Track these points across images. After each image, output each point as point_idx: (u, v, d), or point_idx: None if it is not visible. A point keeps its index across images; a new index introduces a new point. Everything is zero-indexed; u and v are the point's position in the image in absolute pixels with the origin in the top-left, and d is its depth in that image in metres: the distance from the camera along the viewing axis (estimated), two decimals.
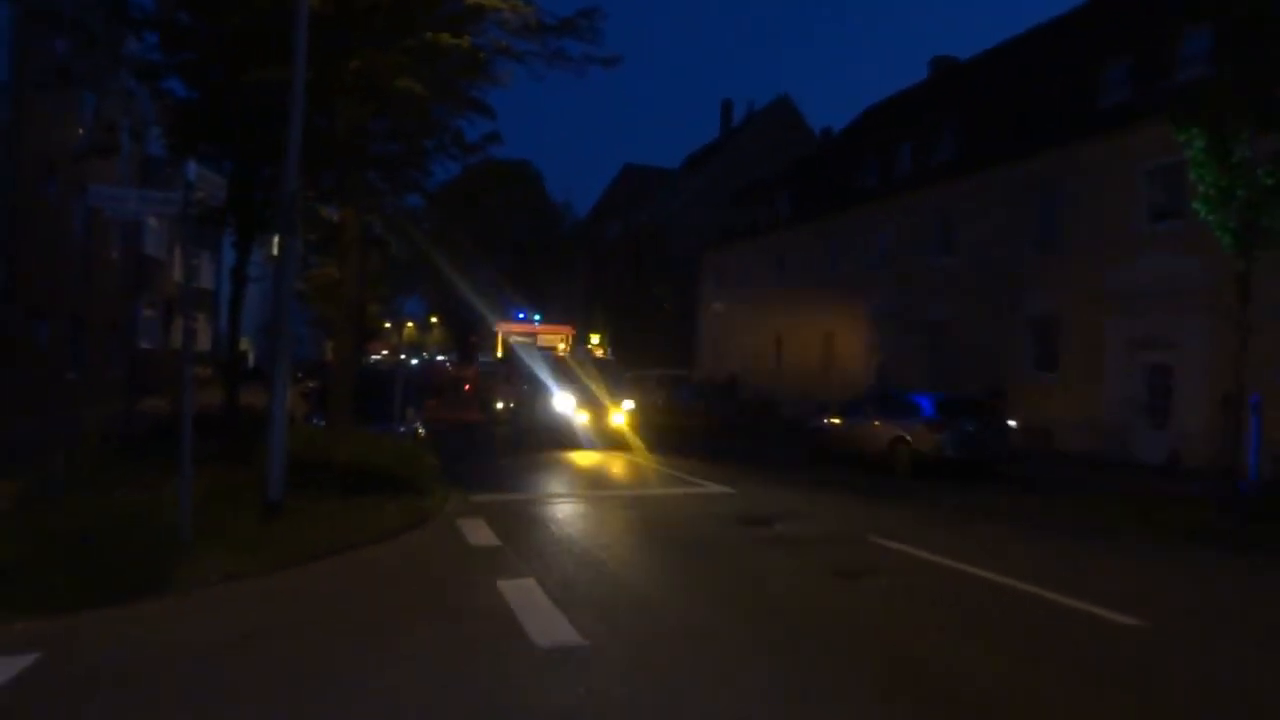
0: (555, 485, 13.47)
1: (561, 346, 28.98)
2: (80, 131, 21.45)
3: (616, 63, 12.54)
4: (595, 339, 32.44)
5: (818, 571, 7.79)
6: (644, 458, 17.51)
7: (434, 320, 66.60)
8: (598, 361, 23.82)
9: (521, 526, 9.64)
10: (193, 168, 7.22)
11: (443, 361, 50.02)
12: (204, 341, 38.00)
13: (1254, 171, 12.14)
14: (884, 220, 29.28)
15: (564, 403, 19.59)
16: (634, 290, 45.41)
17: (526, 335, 28.48)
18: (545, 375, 20.52)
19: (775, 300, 35.55)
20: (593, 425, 19.27)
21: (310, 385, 21.28)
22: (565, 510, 11.28)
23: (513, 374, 24.01)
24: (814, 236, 33.52)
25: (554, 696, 4.65)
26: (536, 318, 32.76)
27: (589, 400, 19.65)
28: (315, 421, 13.72)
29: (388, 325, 51.75)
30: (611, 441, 19.11)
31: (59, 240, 21.89)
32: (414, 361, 49.00)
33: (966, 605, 6.84)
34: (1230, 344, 12.83)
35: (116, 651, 5.15)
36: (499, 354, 27.86)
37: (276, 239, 9.18)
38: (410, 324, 73.31)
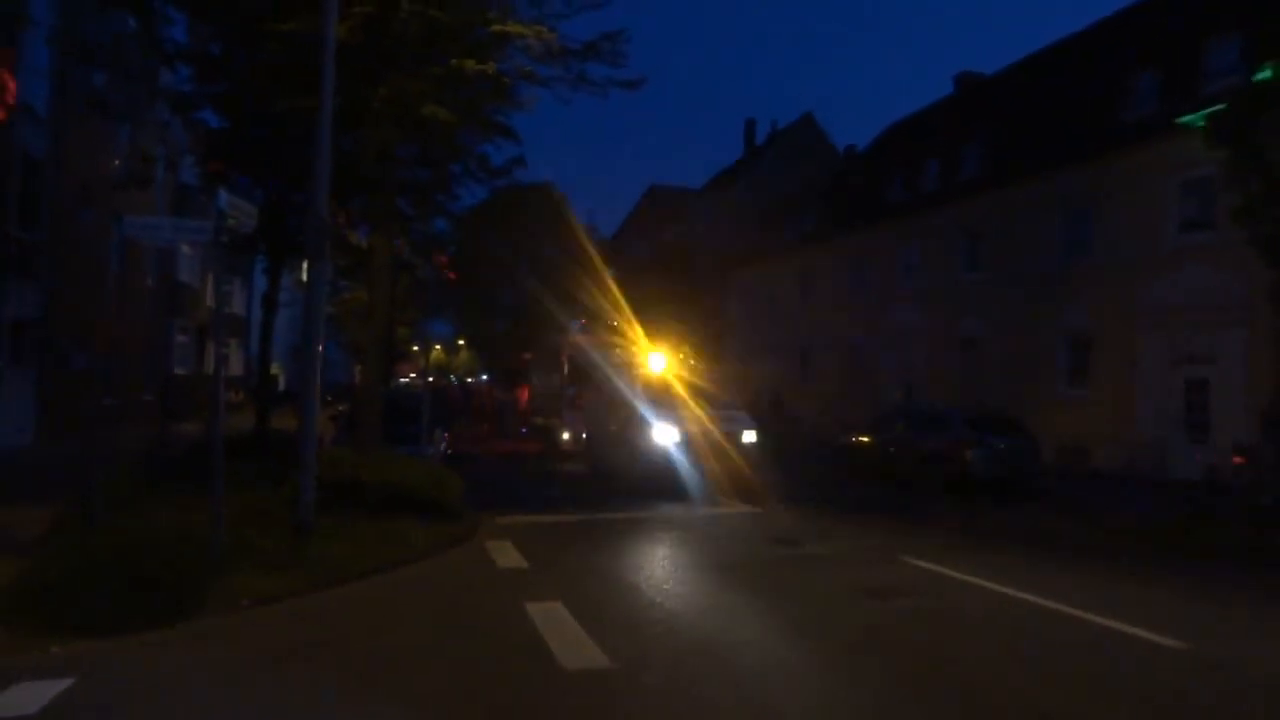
0: (580, 507, 13.45)
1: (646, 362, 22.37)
2: (116, 162, 21.97)
3: (640, 85, 12.63)
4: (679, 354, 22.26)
5: (848, 592, 7.69)
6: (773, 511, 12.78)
7: (461, 343, 67.00)
8: (699, 380, 17.57)
9: (548, 549, 9.62)
10: (224, 196, 7.33)
11: (481, 382, 49.12)
12: (236, 366, 38.59)
13: None
14: (911, 237, 29.12)
15: (664, 435, 14.63)
16: (661, 309, 45.48)
17: (601, 348, 22.44)
18: (635, 399, 15.64)
19: (801, 317, 35.43)
20: (705, 466, 14.30)
21: (340, 409, 21.48)
22: (591, 532, 11.26)
23: (584, 397, 19.35)
24: (840, 254, 33.41)
25: (579, 719, 4.62)
26: (579, 323, 25.57)
27: (698, 431, 14.70)
28: (344, 444, 13.84)
29: (416, 348, 52.17)
30: (737, 491, 13.90)
31: (95, 267, 22.35)
32: (449, 380, 48.82)
33: (1000, 626, 6.72)
34: (1268, 358, 12.59)
35: (148, 675, 5.20)
36: (565, 372, 21.43)
37: (306, 264, 9.31)
38: (438, 346, 73.84)
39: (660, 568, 8.99)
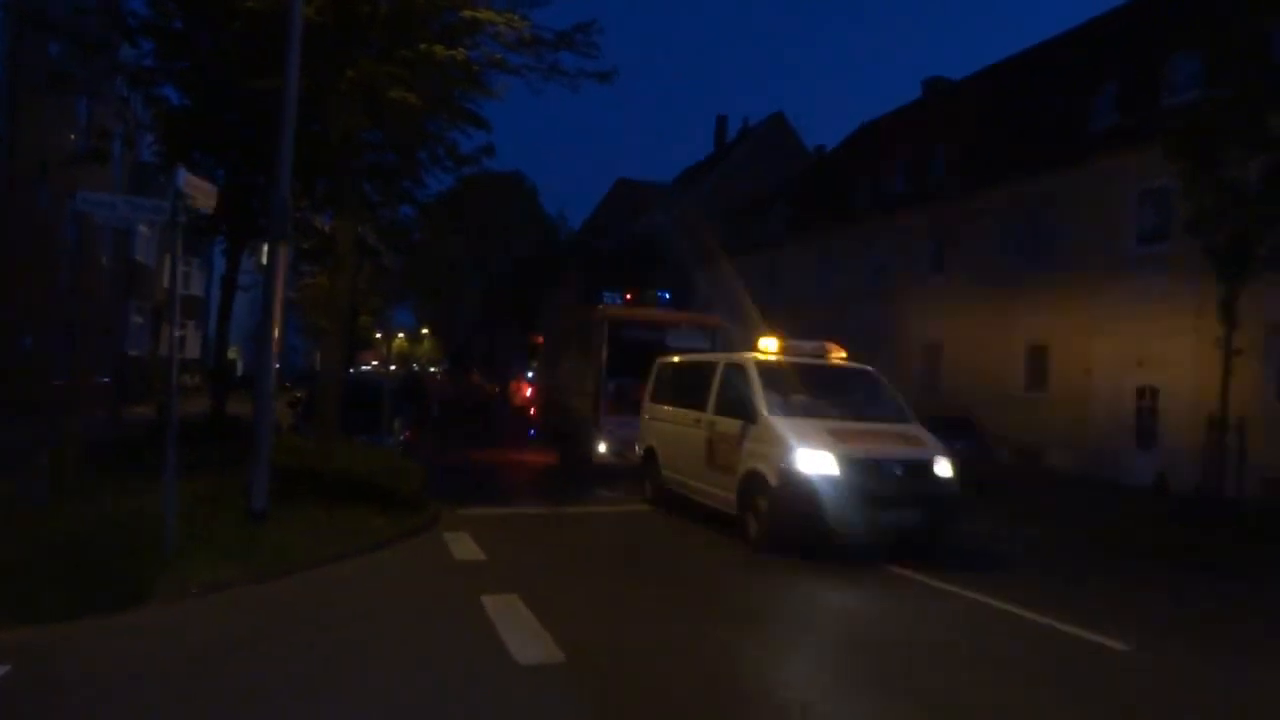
0: (542, 500, 13.39)
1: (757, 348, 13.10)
2: (73, 137, 21.41)
3: (612, 77, 12.56)
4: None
5: (810, 600, 7.75)
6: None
7: (425, 331, 66.45)
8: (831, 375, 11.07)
9: (508, 541, 9.57)
10: (183, 175, 7.14)
11: (451, 370, 44.02)
12: (193, 349, 37.87)
13: (1242, 195, 12.25)
14: (877, 238, 29.38)
15: (815, 463, 8.97)
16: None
17: (652, 328, 15.86)
18: (754, 403, 9.96)
19: (768, 316, 35.61)
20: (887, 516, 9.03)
21: (298, 395, 21.15)
22: (553, 524, 11.22)
23: (642, 395, 13.38)
24: (807, 253, 33.62)
25: (532, 713, 4.61)
26: (664, 295, 18.24)
27: (868, 459, 9.11)
28: (303, 431, 13.64)
29: (379, 335, 51.66)
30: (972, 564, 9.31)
31: (49, 245, 21.81)
32: (424, 368, 46.51)
33: (944, 622, 6.82)
34: (1216, 366, 12.90)
35: (89, 664, 5.08)
36: (604, 359, 15.55)
37: (266, 247, 9.14)
38: (401, 334, 73.19)
39: (620, 561, 8.98)
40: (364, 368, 47.00)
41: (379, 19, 10.60)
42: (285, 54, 8.65)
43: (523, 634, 5.85)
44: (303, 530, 8.32)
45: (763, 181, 42.92)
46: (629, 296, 17.21)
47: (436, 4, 10.94)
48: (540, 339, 23.98)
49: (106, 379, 25.71)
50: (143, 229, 27.92)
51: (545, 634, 5.84)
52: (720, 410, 10.55)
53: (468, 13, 11.03)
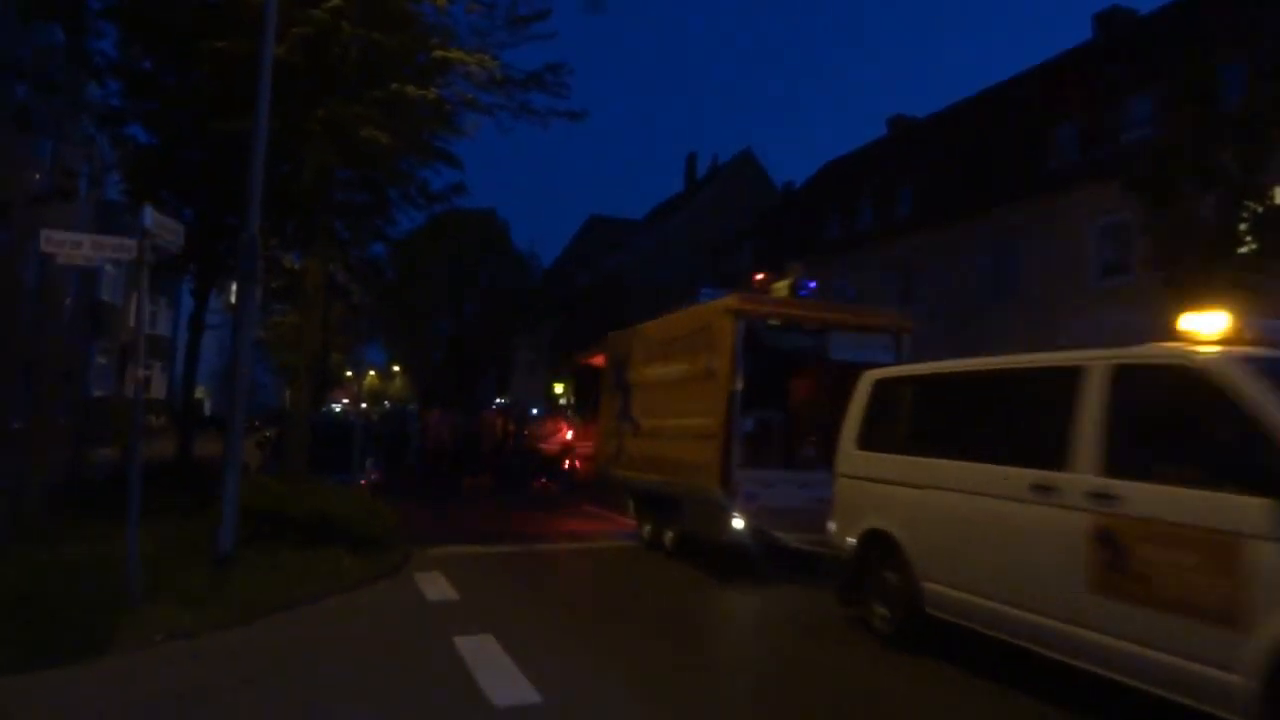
0: (516, 538, 13.25)
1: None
2: (37, 176, 21.19)
3: (583, 117, 12.72)
4: None
5: (775, 624, 7.71)
6: None
7: (396, 369, 65.97)
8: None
9: (481, 580, 9.44)
10: (150, 214, 7.08)
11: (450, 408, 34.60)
12: (159, 389, 37.29)
13: (1199, 230, 12.59)
14: (846, 273, 29.76)
15: None
16: (601, 338, 45.44)
17: (811, 331, 10.26)
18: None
19: None
20: None
21: (267, 434, 20.85)
22: (527, 563, 11.09)
23: (795, 433, 10.83)
24: None
25: None
26: (810, 285, 10.80)
27: None
28: (272, 471, 13.44)
29: (350, 374, 51.16)
30: None
31: (10, 285, 21.45)
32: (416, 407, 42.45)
33: None
34: None
35: (46, 715, 4.92)
36: (733, 376, 9.32)
37: (235, 286, 9.08)
38: (372, 372, 72.58)
39: (596, 599, 8.90)
40: (335, 406, 46.50)
41: (350, 60, 10.67)
42: (256, 94, 8.66)
43: (497, 674, 5.76)
44: (271, 573, 8.15)
45: (732, 218, 43.41)
46: (759, 279, 11.12)
47: (407, 45, 11.04)
48: (596, 358, 15.42)
49: (70, 421, 25.20)
50: (109, 268, 27.61)
51: (520, 674, 5.75)
52: (1133, 470, 5.02)
53: (439, 53, 11.15)
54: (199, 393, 31.67)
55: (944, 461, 6.38)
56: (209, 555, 8.15)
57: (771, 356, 9.89)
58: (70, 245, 7.53)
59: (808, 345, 10.07)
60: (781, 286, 10.54)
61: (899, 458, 6.96)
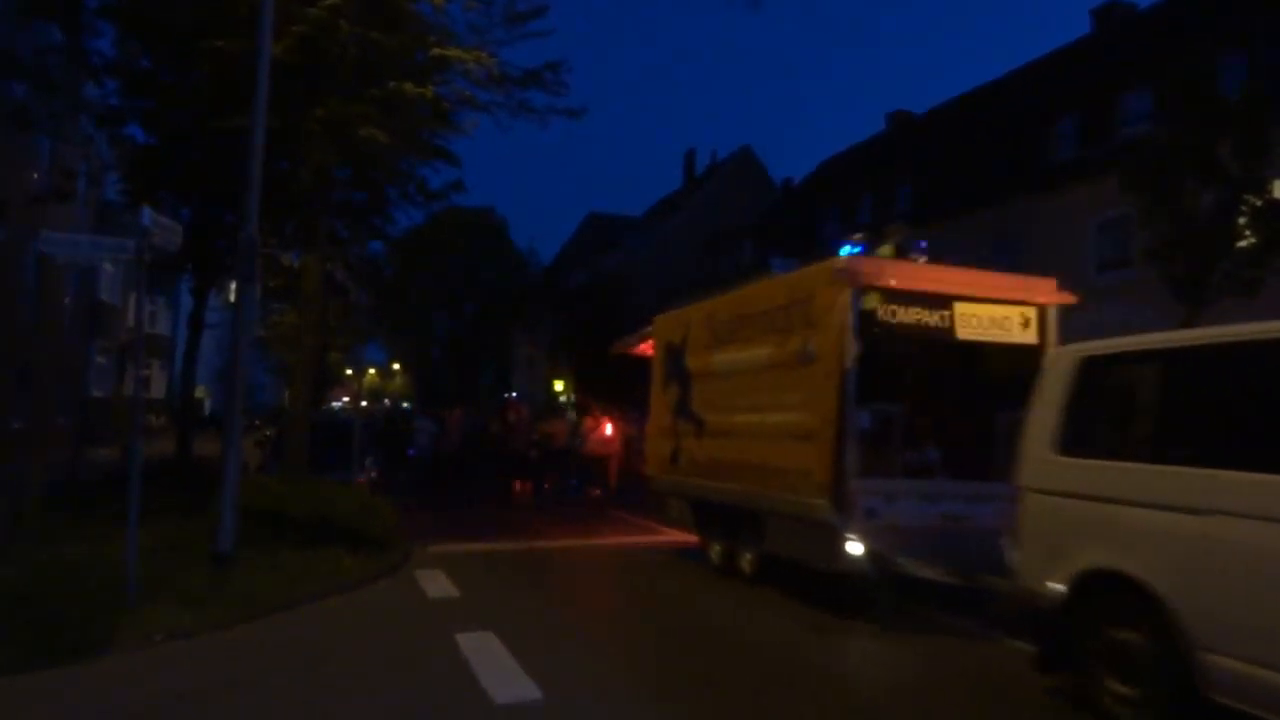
0: (516, 535, 13.25)
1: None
2: (35, 176, 21.17)
3: (582, 114, 12.70)
4: None
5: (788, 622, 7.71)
6: None
7: (396, 367, 66.00)
8: None
9: (482, 578, 9.45)
10: (147, 214, 7.09)
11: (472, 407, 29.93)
12: (159, 389, 37.28)
13: (1198, 224, 12.59)
14: None
15: None
16: (600, 335, 45.43)
17: (940, 304, 7.85)
18: None
19: None
20: None
21: (267, 433, 20.81)
22: (527, 560, 11.09)
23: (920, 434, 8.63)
24: None
25: None
26: (920, 245, 9.15)
27: None
28: (271, 470, 13.43)
29: (349, 372, 51.15)
30: None
31: (9, 285, 21.43)
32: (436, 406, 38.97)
33: None
34: None
35: (45, 716, 4.92)
36: (846, 363, 7.28)
37: (234, 285, 9.08)
38: (372, 371, 72.59)
39: (596, 596, 8.90)
40: (335, 405, 46.52)
41: (348, 58, 10.65)
42: (254, 93, 8.65)
43: (498, 672, 5.76)
44: (271, 572, 8.15)
45: (732, 214, 43.38)
46: (856, 237, 9.02)
47: (405, 43, 11.02)
48: (641, 345, 13.06)
49: (69, 421, 25.20)
50: (108, 267, 27.59)
51: (522, 672, 5.75)
52: None
53: (436, 51, 11.13)
54: (198, 392, 31.68)
55: (1238, 475, 4.26)
56: (209, 555, 8.15)
57: (887, 335, 7.75)
58: (69, 245, 7.53)
59: (939, 324, 7.80)
60: (886, 251, 8.70)
61: (1144, 468, 4.80)
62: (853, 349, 7.30)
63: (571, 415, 23.02)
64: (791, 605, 8.06)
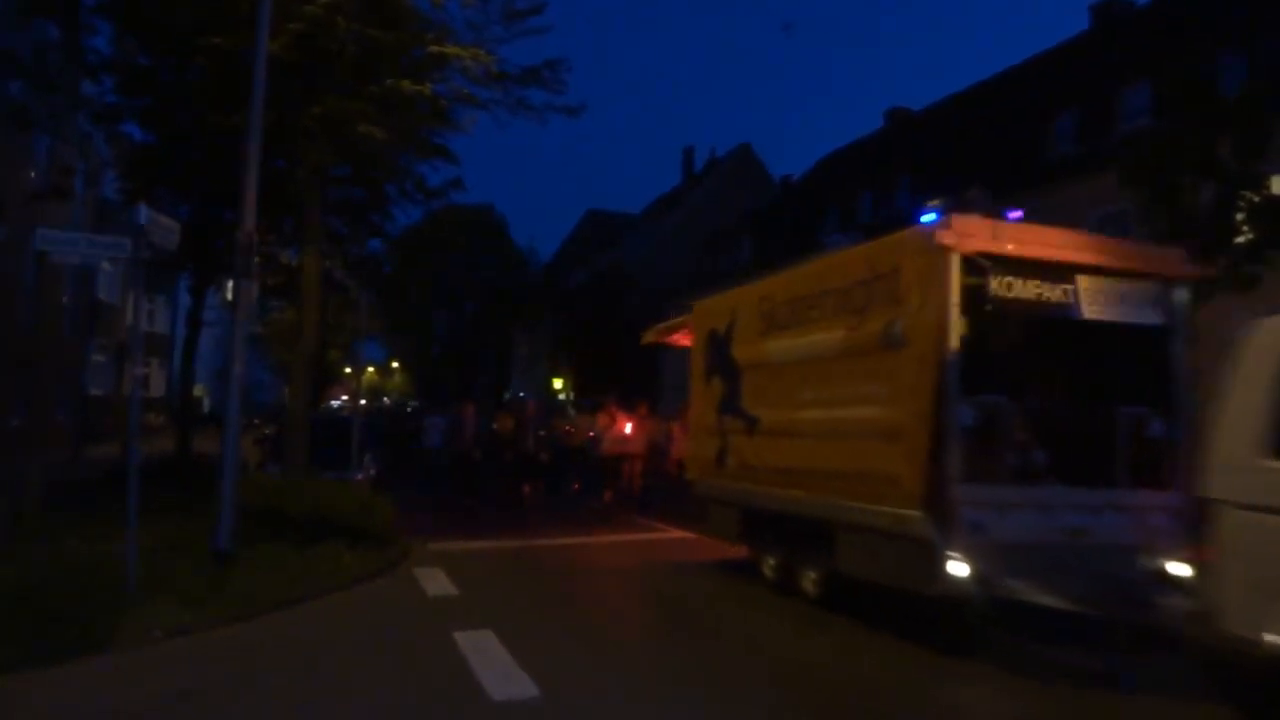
0: (515, 533, 13.26)
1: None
2: (32, 174, 21.15)
3: (580, 112, 12.69)
4: None
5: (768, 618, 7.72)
6: None
7: (395, 365, 65.99)
8: None
9: (481, 576, 9.45)
10: (145, 212, 7.10)
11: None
12: (157, 387, 37.24)
13: (1196, 221, 12.58)
14: None
15: None
16: (600, 333, 45.42)
17: (1058, 274, 6.53)
18: None
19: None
20: None
21: (266, 432, 20.78)
22: (526, 558, 11.09)
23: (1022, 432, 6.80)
24: None
25: None
26: (1015, 215, 7.09)
27: None
28: (270, 468, 13.43)
29: (348, 370, 51.15)
30: None
31: (7, 283, 21.42)
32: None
33: None
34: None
35: (45, 714, 4.92)
36: (947, 347, 6.04)
37: (231, 283, 9.07)
38: (371, 369, 72.62)
39: (595, 595, 8.90)
40: (333, 403, 46.50)
41: (345, 55, 10.64)
42: (251, 90, 8.64)
43: (495, 670, 5.76)
44: (270, 570, 8.15)
45: (731, 211, 43.37)
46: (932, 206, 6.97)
47: (403, 40, 11.02)
48: (677, 335, 12.06)
49: (68, 419, 25.18)
50: (106, 266, 27.55)
51: (520, 670, 5.75)
52: None
53: (435, 48, 11.12)
54: (197, 390, 31.65)
55: None
56: (208, 553, 8.15)
57: (998, 314, 6.49)
58: (66, 244, 7.53)
59: (1053, 297, 6.47)
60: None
61: None
62: (956, 330, 6.01)
63: (571, 412, 22.34)
64: (865, 633, 6.93)
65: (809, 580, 7.84)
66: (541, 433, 17.36)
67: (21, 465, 13.86)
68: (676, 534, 13.01)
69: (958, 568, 5.81)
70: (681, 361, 13.17)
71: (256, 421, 29.35)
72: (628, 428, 16.41)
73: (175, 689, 5.36)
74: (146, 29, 12.00)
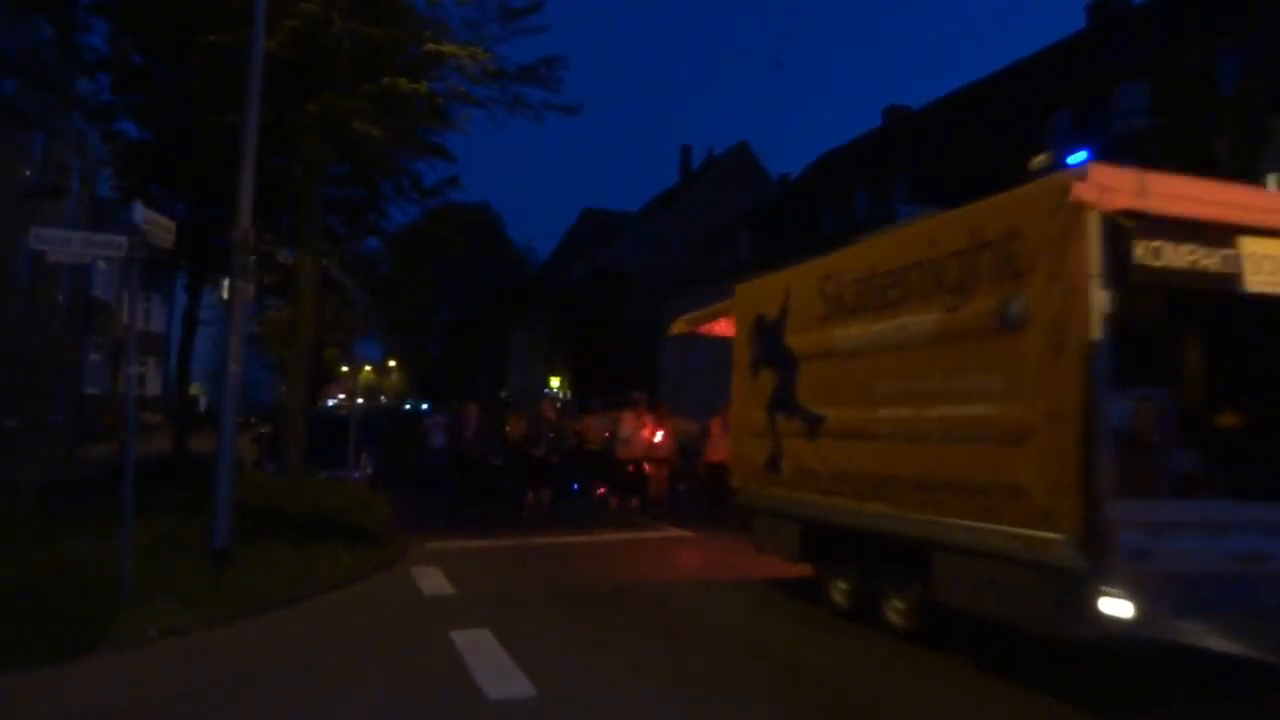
0: (512, 532, 13.24)
1: None
2: (27, 172, 21.09)
3: (577, 110, 12.68)
4: None
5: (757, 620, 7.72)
6: None
7: (392, 364, 65.96)
8: None
9: (478, 574, 9.44)
10: (140, 210, 7.08)
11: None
12: (154, 386, 37.19)
13: None
14: None
15: None
16: (597, 332, 45.42)
17: (1218, 228, 5.14)
18: None
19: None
20: None
21: (262, 431, 20.76)
22: (524, 556, 11.08)
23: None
24: None
25: None
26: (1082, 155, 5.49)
27: None
28: (267, 467, 13.42)
29: (345, 369, 51.09)
30: None
31: (2, 282, 21.37)
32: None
33: None
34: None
35: (41, 714, 4.90)
36: (1086, 328, 4.78)
37: (227, 282, 9.04)
38: (368, 367, 72.60)
39: (592, 592, 8.88)
40: (329, 402, 46.45)
41: (342, 53, 10.62)
42: (246, 88, 8.61)
43: (492, 669, 5.75)
44: (266, 570, 8.13)
45: (728, 210, 43.37)
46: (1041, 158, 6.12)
47: (400, 38, 11.00)
48: (716, 323, 10.67)
49: (63, 418, 25.12)
50: (101, 264, 27.49)
51: (517, 669, 5.74)
52: None
53: (431, 46, 11.11)
54: (194, 389, 31.61)
55: None
56: (204, 552, 8.13)
57: (1146, 285, 5.27)
58: (61, 242, 7.50)
59: (1210, 265, 5.16)
60: None
61: None
62: (1098, 307, 4.83)
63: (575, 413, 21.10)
64: (963, 667, 5.82)
65: (895, 611, 6.59)
66: (551, 434, 15.53)
67: (17, 465, 13.83)
68: (674, 533, 12.99)
69: (1115, 605, 4.62)
70: (681, 358, 12.97)
71: (253, 420, 29.33)
72: (658, 435, 14.81)
73: (172, 688, 5.35)
74: (142, 27, 11.97)
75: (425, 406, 36.94)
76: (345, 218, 15.80)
